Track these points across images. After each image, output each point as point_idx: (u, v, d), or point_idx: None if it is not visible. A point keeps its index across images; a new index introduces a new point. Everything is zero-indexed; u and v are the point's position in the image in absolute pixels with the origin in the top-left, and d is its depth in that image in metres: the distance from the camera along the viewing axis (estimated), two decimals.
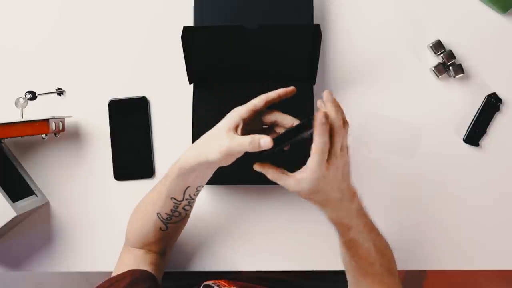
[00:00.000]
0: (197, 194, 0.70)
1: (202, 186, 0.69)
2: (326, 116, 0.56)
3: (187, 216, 0.74)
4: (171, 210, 0.70)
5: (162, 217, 0.71)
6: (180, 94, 0.86)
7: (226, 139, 0.60)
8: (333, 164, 0.59)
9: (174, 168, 0.66)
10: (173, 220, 0.72)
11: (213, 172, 0.66)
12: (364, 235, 0.67)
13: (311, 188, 0.60)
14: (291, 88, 0.66)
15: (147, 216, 0.73)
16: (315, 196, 0.62)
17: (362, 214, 0.67)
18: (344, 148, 0.61)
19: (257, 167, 0.64)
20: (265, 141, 0.57)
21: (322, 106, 0.61)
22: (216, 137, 0.62)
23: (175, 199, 0.69)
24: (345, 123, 0.60)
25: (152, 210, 0.71)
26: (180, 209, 0.71)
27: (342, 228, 0.66)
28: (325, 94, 0.61)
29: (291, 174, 0.61)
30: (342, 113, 0.60)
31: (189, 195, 0.69)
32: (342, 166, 0.60)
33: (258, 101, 0.65)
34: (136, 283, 0.69)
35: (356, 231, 0.66)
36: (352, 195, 0.64)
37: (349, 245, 0.67)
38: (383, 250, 0.70)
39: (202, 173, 0.65)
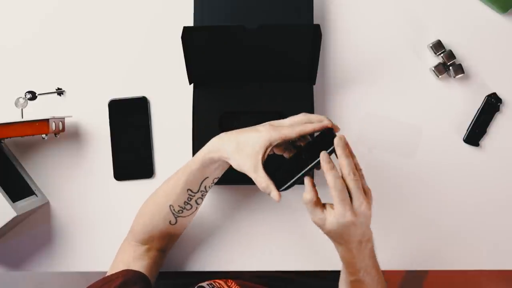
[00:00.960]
0: (211, 187, 0.73)
1: (218, 178, 0.73)
2: (328, 158, 0.62)
3: (196, 210, 0.75)
4: (184, 202, 0.72)
5: (174, 209, 0.73)
6: (180, 94, 0.86)
7: (250, 167, 0.65)
8: (361, 210, 0.61)
9: (197, 158, 0.69)
10: (184, 214, 0.74)
11: (228, 166, 0.71)
12: (370, 278, 0.68)
13: (335, 230, 0.62)
14: (328, 122, 0.66)
15: (159, 208, 0.74)
16: (335, 237, 0.64)
17: (373, 256, 0.68)
18: (368, 191, 0.63)
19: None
20: (274, 195, 0.64)
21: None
22: (245, 151, 0.66)
23: (191, 190, 0.71)
24: (357, 169, 0.63)
25: (165, 201, 0.73)
26: (193, 201, 0.73)
27: (351, 268, 0.67)
28: (340, 138, 0.64)
29: (323, 210, 0.63)
30: (352, 159, 0.63)
31: (205, 187, 0.72)
32: (370, 211, 0.62)
33: (291, 132, 0.66)
34: (128, 284, 0.69)
35: (365, 273, 0.67)
36: (369, 237, 0.66)
37: (354, 286, 0.69)
38: None
39: (222, 166, 0.71)
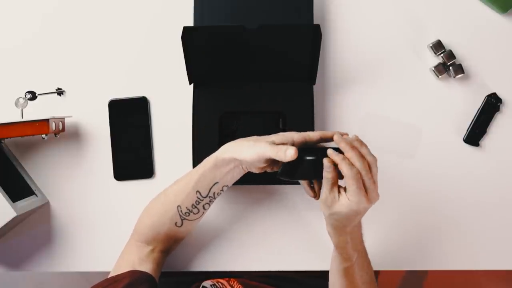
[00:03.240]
0: (220, 194, 0.73)
1: (227, 186, 0.72)
2: (331, 161, 0.62)
3: (202, 215, 0.75)
4: (192, 205, 0.72)
5: (181, 211, 0.73)
6: (180, 94, 0.86)
7: (265, 144, 0.65)
8: (373, 197, 0.62)
9: (210, 159, 0.70)
10: (190, 217, 0.74)
11: (241, 175, 0.71)
12: (360, 263, 0.70)
13: (342, 213, 0.63)
14: (345, 133, 0.67)
15: (167, 208, 0.74)
16: (337, 219, 0.65)
17: (363, 241, 0.70)
18: (376, 179, 0.64)
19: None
20: (290, 151, 0.63)
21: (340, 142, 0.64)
22: (259, 143, 0.66)
23: (199, 193, 0.71)
24: (370, 157, 0.63)
25: (173, 201, 0.73)
26: (200, 206, 0.73)
27: (346, 254, 0.68)
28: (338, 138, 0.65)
29: (339, 190, 0.64)
30: (364, 148, 0.64)
31: (213, 193, 0.72)
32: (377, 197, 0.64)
33: (314, 135, 0.67)
34: (135, 285, 0.69)
35: (358, 258, 0.69)
36: (359, 222, 0.68)
37: (346, 273, 0.70)
38: (373, 281, 0.73)
39: (233, 172, 0.70)
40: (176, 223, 0.74)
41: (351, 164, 0.61)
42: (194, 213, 0.73)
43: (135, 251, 0.77)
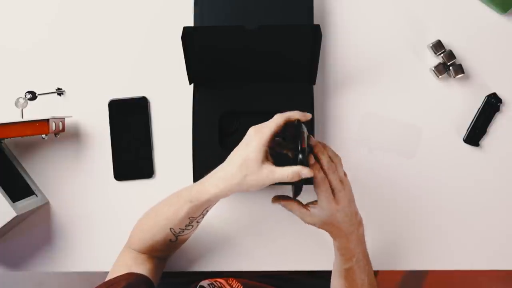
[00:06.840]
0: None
1: None
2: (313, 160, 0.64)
3: (197, 227, 0.74)
4: (186, 226, 0.71)
5: (174, 231, 0.72)
6: (180, 94, 0.86)
7: (265, 175, 0.62)
8: (340, 197, 0.64)
9: (205, 195, 0.65)
10: (184, 233, 0.73)
11: None
12: (361, 265, 0.70)
13: (324, 221, 0.65)
14: (309, 114, 0.67)
15: (159, 228, 0.72)
16: (327, 227, 0.67)
17: (363, 242, 0.71)
18: (343, 178, 0.66)
19: (274, 201, 0.69)
20: (305, 173, 0.61)
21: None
22: (252, 171, 0.63)
23: (192, 217, 0.69)
24: (335, 157, 0.66)
25: (165, 223, 0.71)
26: (194, 223, 0.71)
27: (346, 255, 0.69)
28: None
29: (306, 207, 0.67)
30: (328, 150, 0.66)
31: (206, 210, 0.70)
32: (348, 194, 0.66)
33: (278, 121, 0.65)
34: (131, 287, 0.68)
35: (357, 259, 0.69)
36: (359, 221, 0.69)
37: (347, 274, 0.70)
38: (374, 285, 0.73)
39: None
40: (170, 240, 0.73)
41: (325, 177, 0.63)
42: (188, 229, 0.72)
43: (131, 256, 0.76)
